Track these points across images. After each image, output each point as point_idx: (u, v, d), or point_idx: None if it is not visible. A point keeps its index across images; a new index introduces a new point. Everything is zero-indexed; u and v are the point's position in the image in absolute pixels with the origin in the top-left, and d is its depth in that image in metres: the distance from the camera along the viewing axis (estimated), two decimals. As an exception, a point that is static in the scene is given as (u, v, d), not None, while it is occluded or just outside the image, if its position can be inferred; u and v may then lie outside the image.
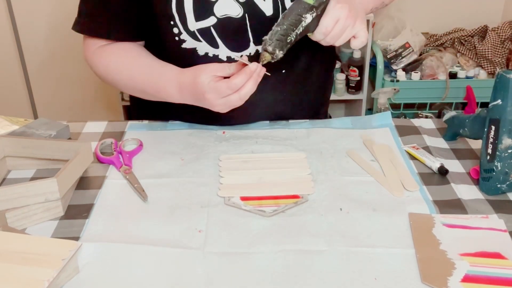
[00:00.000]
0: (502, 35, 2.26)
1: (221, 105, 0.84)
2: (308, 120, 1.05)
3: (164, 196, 0.83)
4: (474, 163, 0.90)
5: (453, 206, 0.80)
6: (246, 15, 0.92)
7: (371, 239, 0.73)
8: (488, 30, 2.30)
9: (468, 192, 0.84)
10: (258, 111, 1.03)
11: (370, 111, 2.48)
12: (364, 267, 0.68)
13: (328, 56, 1.11)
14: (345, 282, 0.66)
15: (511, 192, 0.83)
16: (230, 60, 0.96)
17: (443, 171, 0.87)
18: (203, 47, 0.94)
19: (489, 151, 0.82)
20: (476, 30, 2.33)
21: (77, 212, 0.79)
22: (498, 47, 2.23)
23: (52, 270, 0.62)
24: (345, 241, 0.73)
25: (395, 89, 2.22)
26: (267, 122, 1.04)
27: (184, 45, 0.94)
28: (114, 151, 0.94)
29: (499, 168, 0.80)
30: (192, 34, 0.92)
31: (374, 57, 2.31)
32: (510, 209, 0.80)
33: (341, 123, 1.04)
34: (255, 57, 0.94)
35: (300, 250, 0.71)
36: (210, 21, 0.92)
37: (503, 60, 2.22)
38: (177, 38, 0.93)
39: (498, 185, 0.81)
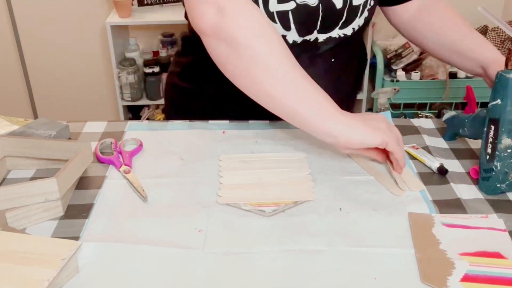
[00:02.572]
0: (502, 35, 2.27)
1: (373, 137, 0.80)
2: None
3: (164, 196, 0.83)
4: (473, 163, 0.90)
5: (453, 206, 0.80)
6: (321, 4, 0.95)
7: (371, 239, 0.73)
8: (488, 30, 2.30)
9: (467, 191, 0.84)
10: None
11: (370, 111, 2.48)
12: (364, 267, 0.68)
13: (362, 51, 1.19)
14: (345, 282, 0.66)
15: (511, 191, 0.83)
16: (294, 43, 0.98)
17: (442, 171, 0.88)
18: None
19: (489, 151, 0.82)
20: (476, 30, 2.33)
21: (77, 212, 0.79)
22: (498, 47, 2.23)
23: (52, 270, 0.62)
24: (345, 241, 0.73)
25: (395, 89, 2.22)
26: (267, 122, 1.04)
27: None
28: (114, 151, 0.94)
29: (499, 168, 0.81)
30: (270, 15, 0.95)
31: (374, 57, 2.31)
32: (510, 208, 0.80)
33: (341, 123, 1.04)
34: (312, 43, 0.99)
35: (300, 250, 0.71)
36: (290, 6, 0.94)
37: (503, 60, 2.22)
38: None
39: (498, 185, 0.81)
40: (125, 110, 2.69)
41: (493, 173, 0.81)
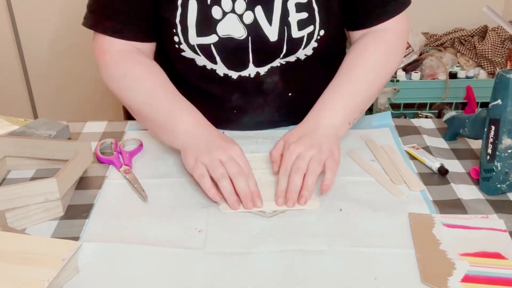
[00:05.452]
0: (502, 35, 2.27)
1: (204, 167, 0.81)
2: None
3: (164, 196, 0.83)
4: (474, 163, 0.90)
5: (453, 206, 0.80)
6: (250, 37, 0.91)
7: (371, 239, 0.73)
8: (488, 30, 2.30)
9: (468, 192, 0.84)
10: (262, 126, 1.04)
11: (370, 111, 2.48)
12: (364, 267, 0.68)
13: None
14: (345, 282, 0.66)
15: (511, 192, 0.83)
16: (226, 77, 0.95)
17: (443, 171, 0.87)
18: (201, 60, 0.94)
19: (489, 151, 0.82)
20: (476, 30, 2.33)
21: (77, 212, 0.79)
22: (498, 47, 2.23)
23: (52, 270, 0.62)
24: (345, 241, 0.73)
25: (395, 89, 2.22)
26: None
27: (183, 54, 0.94)
28: (114, 151, 0.94)
29: (499, 168, 0.80)
30: (191, 47, 0.92)
31: (374, 57, 2.30)
32: (510, 209, 0.80)
33: (341, 123, 1.04)
34: (255, 79, 0.96)
35: (300, 250, 0.71)
36: (212, 39, 0.90)
37: (503, 60, 2.22)
38: (177, 46, 0.93)
39: (498, 185, 0.81)
40: (125, 110, 2.68)
41: (494, 173, 0.81)
